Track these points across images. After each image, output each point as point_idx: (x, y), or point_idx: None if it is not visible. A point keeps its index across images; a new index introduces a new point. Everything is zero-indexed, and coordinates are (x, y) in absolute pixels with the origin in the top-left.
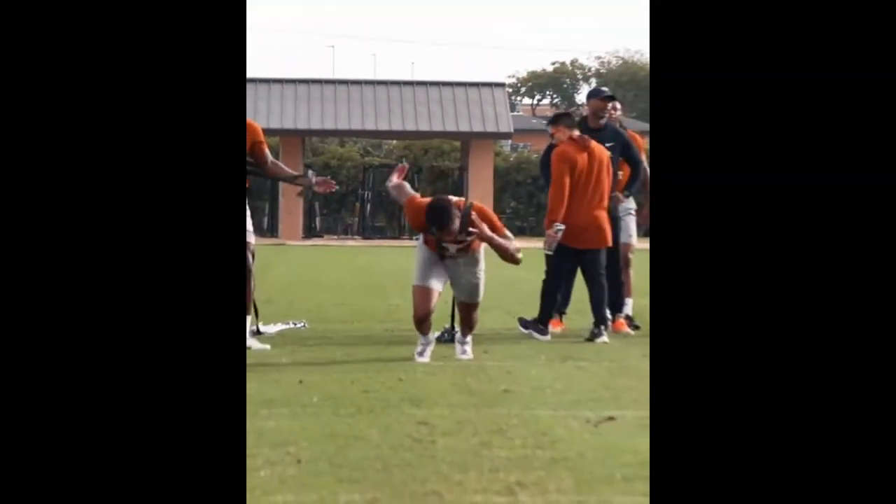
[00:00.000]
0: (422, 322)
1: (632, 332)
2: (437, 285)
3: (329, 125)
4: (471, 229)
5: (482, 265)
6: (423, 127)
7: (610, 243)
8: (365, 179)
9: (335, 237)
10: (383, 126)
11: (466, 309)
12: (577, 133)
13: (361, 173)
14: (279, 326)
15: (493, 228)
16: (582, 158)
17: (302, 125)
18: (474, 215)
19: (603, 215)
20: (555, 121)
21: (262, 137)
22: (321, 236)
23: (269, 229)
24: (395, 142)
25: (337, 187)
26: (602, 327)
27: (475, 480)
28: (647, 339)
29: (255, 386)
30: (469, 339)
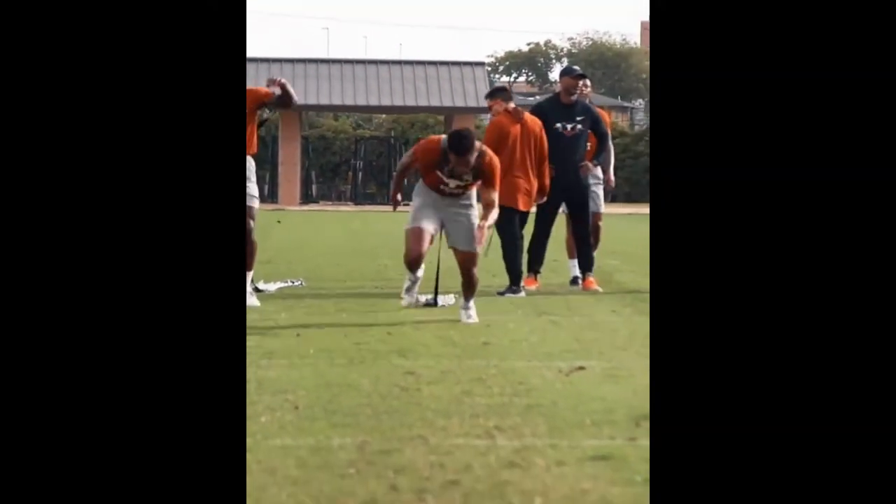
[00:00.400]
0: (414, 264)
1: (600, 290)
2: (430, 227)
3: (324, 101)
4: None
5: (476, 209)
6: (410, 102)
7: (529, 209)
8: (357, 150)
9: (330, 203)
10: (373, 101)
11: (465, 263)
12: (512, 105)
13: (353, 145)
14: (278, 284)
15: (491, 181)
16: (515, 129)
17: (299, 101)
18: (486, 159)
19: (531, 182)
20: (492, 94)
21: (265, 91)
22: (317, 202)
23: (269, 195)
24: (384, 116)
25: (278, 91)
26: (514, 286)
27: (457, 425)
28: (615, 296)
29: (257, 339)
30: (472, 302)
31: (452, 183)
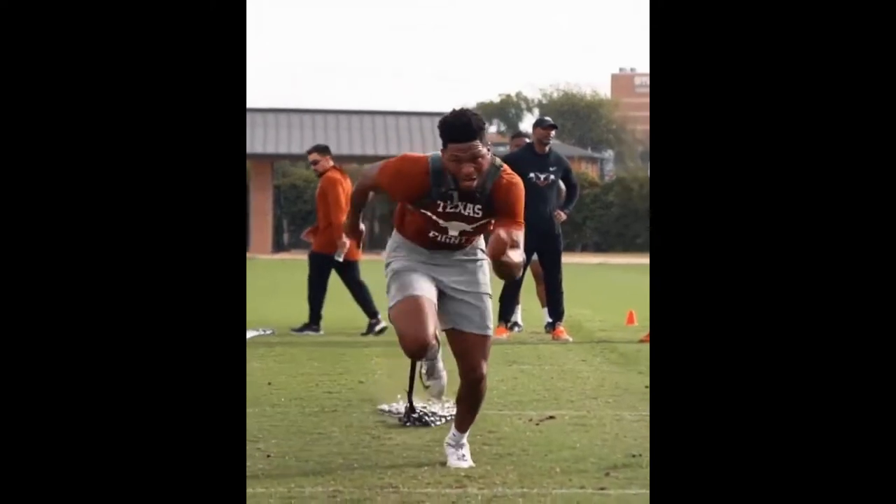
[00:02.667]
0: (420, 352)
1: (570, 339)
2: (431, 292)
3: (296, 150)
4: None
5: (487, 266)
6: (381, 152)
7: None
8: None
9: (301, 251)
10: (345, 151)
11: (470, 355)
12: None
13: None
14: (251, 333)
15: (513, 212)
16: (345, 184)
17: (270, 150)
18: (504, 181)
19: None
20: (318, 151)
21: None
22: (288, 251)
23: (258, 246)
24: (356, 165)
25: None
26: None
27: (428, 474)
28: (584, 345)
29: None
30: (465, 438)
31: (454, 228)
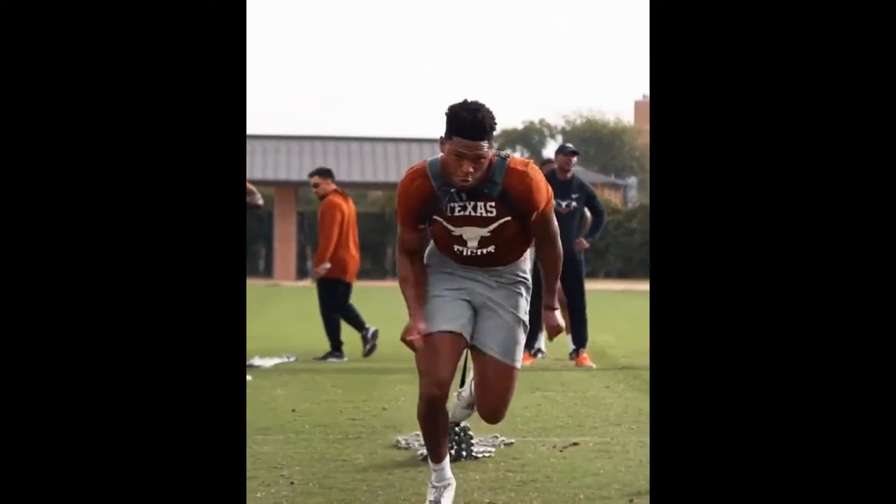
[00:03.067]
0: (438, 401)
1: (594, 366)
2: (457, 323)
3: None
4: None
5: (527, 293)
6: None
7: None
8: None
9: None
10: (369, 178)
11: (495, 386)
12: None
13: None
14: (274, 360)
15: (535, 206)
16: (348, 208)
17: (294, 177)
18: (517, 170)
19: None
20: (319, 174)
21: None
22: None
23: (264, 271)
24: (379, 192)
25: (261, 202)
26: (336, 352)
27: (453, 501)
28: (608, 372)
29: (252, 414)
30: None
31: (469, 236)
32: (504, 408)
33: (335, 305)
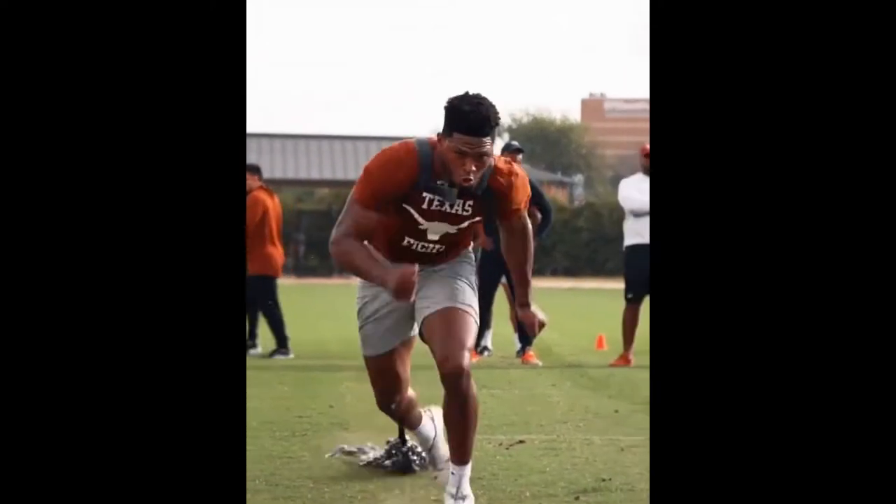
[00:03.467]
0: (394, 408)
1: (539, 364)
2: (404, 333)
3: (266, 175)
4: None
5: (473, 265)
6: (351, 176)
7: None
8: (299, 224)
9: (291, 276)
10: (315, 175)
11: (439, 338)
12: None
13: (295, 218)
14: None
15: (515, 202)
16: (273, 203)
17: (278, 175)
18: (503, 169)
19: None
20: (249, 170)
21: None
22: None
23: None
24: (326, 190)
25: None
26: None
27: (398, 498)
28: (554, 370)
29: None
30: (467, 472)
31: (434, 231)
32: (460, 353)
33: (273, 302)
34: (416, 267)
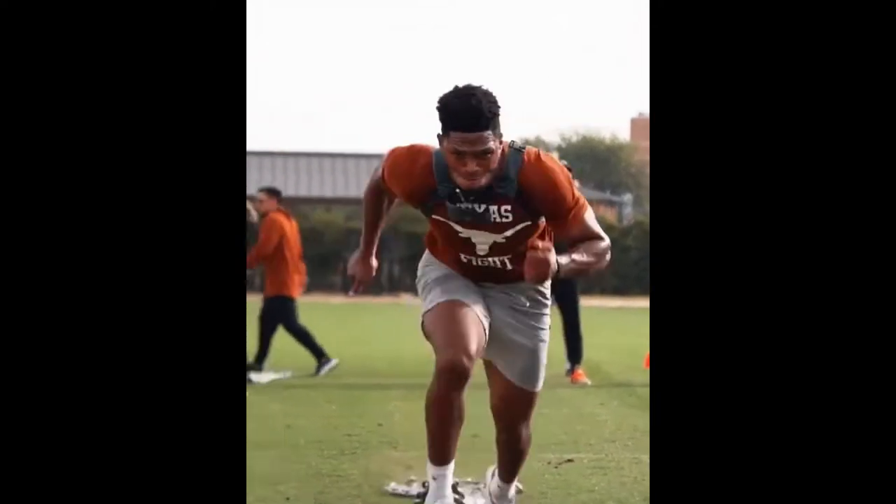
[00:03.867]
0: (459, 378)
1: (588, 382)
2: (477, 305)
3: (315, 193)
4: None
5: (548, 311)
6: None
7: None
8: (348, 242)
9: (320, 294)
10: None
11: (512, 408)
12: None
13: (345, 237)
14: (269, 376)
15: (558, 204)
16: (290, 226)
17: (290, 193)
18: (533, 163)
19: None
20: (265, 191)
21: None
22: (308, 293)
23: (259, 287)
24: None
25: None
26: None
27: None
28: (602, 389)
29: (248, 429)
30: (513, 490)
31: (480, 240)
32: (520, 425)
33: (294, 321)
34: (373, 273)
